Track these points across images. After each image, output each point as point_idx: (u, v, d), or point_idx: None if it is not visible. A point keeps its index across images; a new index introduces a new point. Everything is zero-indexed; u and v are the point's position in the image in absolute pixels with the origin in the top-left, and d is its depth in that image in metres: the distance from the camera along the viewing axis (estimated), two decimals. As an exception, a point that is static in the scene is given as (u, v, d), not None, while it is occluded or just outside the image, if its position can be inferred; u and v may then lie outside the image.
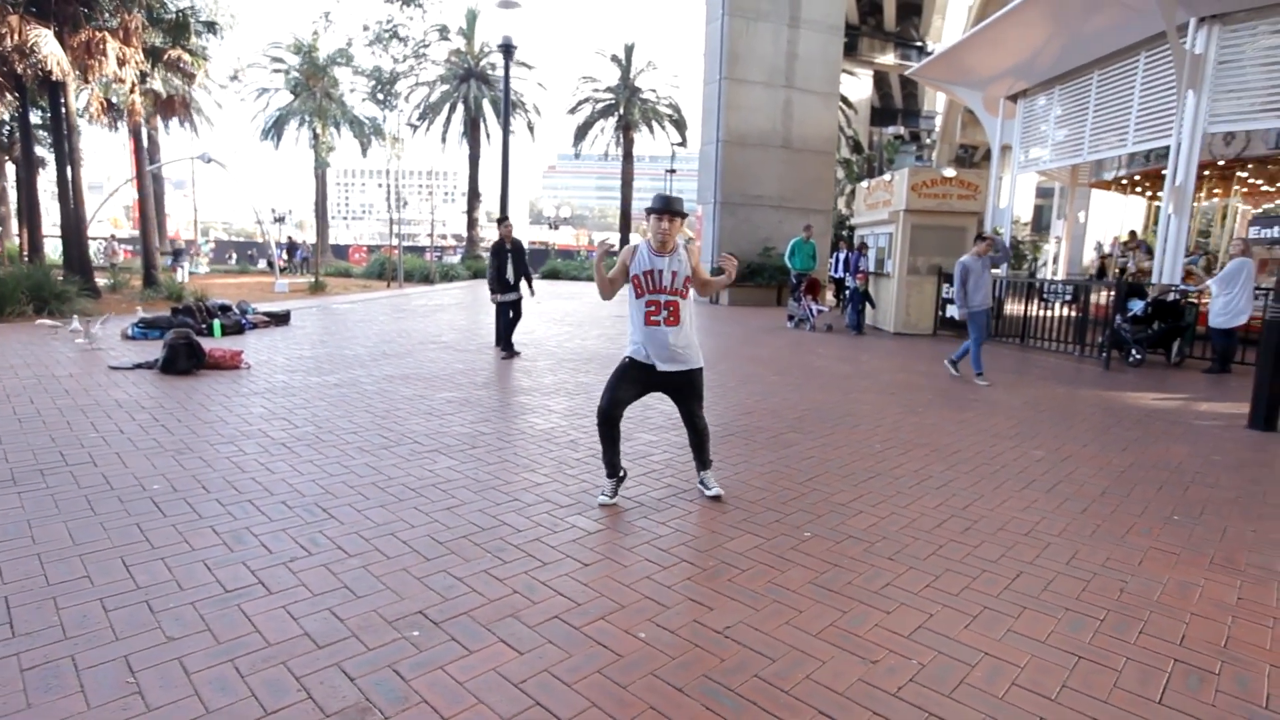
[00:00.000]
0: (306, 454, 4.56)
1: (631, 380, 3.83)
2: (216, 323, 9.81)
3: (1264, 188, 15.73)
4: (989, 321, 7.82)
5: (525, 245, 9.48)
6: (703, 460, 4.05)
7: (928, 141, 46.93)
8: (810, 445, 5.18)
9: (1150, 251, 15.49)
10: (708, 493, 4.00)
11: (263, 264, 32.54)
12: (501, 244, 8.78)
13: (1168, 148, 11.04)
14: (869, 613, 2.77)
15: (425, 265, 27.31)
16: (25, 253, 16.52)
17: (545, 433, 5.28)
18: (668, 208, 3.70)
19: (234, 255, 36.86)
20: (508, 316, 8.87)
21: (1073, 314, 10.79)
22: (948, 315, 12.13)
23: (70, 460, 4.29)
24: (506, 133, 8.81)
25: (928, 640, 2.58)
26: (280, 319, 11.49)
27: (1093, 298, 10.44)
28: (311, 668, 2.30)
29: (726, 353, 9.86)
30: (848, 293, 15.59)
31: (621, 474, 3.94)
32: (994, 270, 7.93)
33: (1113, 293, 9.69)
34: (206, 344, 7.86)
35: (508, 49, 8.73)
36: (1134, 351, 9.45)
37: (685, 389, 3.88)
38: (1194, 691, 2.33)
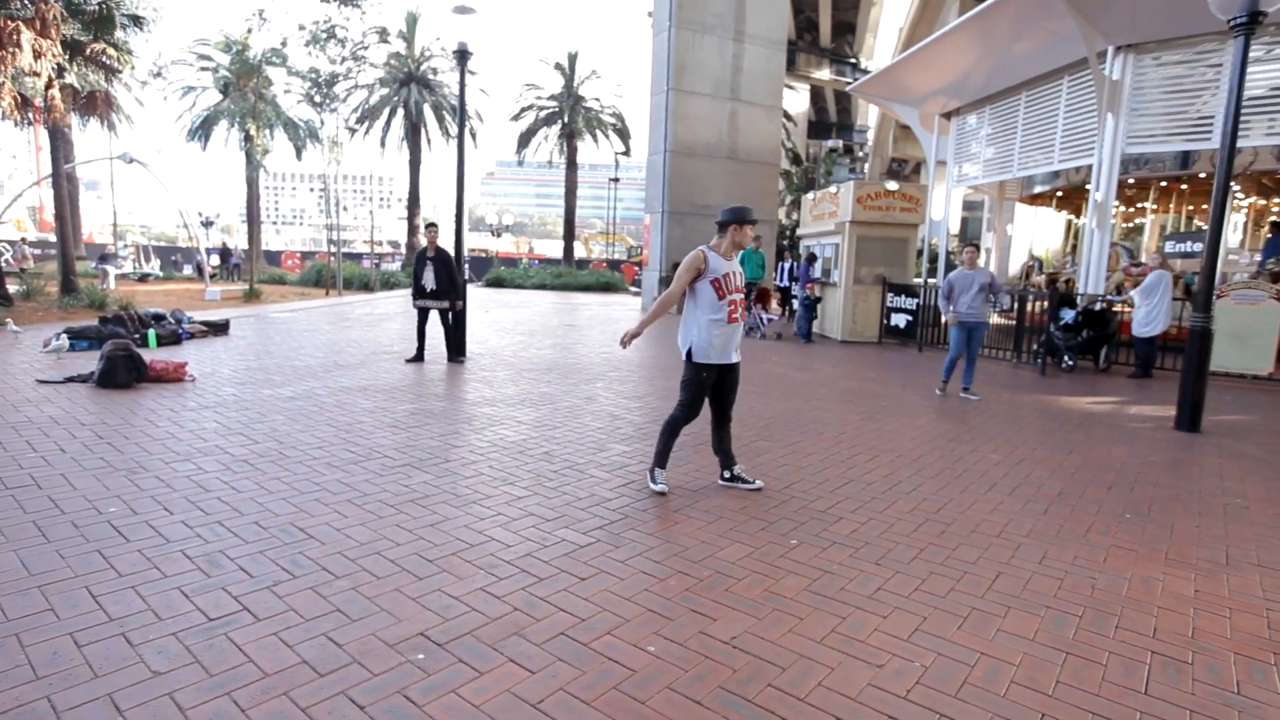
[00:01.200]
0: (272, 471, 4.37)
1: (708, 387, 4.23)
2: (152, 333, 9.30)
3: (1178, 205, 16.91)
4: (967, 338, 7.63)
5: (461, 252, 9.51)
6: (731, 454, 4.44)
7: (860, 154, 48.65)
8: (780, 453, 5.28)
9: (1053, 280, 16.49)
10: (752, 485, 4.36)
11: (188, 270, 31.00)
12: (424, 252, 8.80)
13: (1090, 166, 11.75)
14: (866, 618, 2.84)
15: (365, 273, 26.55)
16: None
17: (517, 445, 5.21)
18: (744, 219, 4.15)
19: (175, 260, 34.86)
20: (426, 322, 8.94)
21: (1009, 322, 11.34)
22: (892, 324, 12.56)
23: (10, 483, 3.99)
24: (462, 139, 8.67)
25: (926, 643, 2.67)
26: (219, 328, 10.97)
27: (1028, 307, 10.99)
28: (316, 697, 2.21)
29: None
30: (795, 301, 15.98)
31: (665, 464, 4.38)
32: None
33: (1046, 302, 10.22)
34: (145, 355, 7.44)
35: (463, 54, 8.59)
36: (1066, 358, 9.99)
37: (731, 384, 4.32)
38: (1173, 681, 2.48)
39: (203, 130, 29.50)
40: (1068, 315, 10.09)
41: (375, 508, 3.84)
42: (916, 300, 12.02)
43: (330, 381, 7.35)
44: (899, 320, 12.37)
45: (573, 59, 33.66)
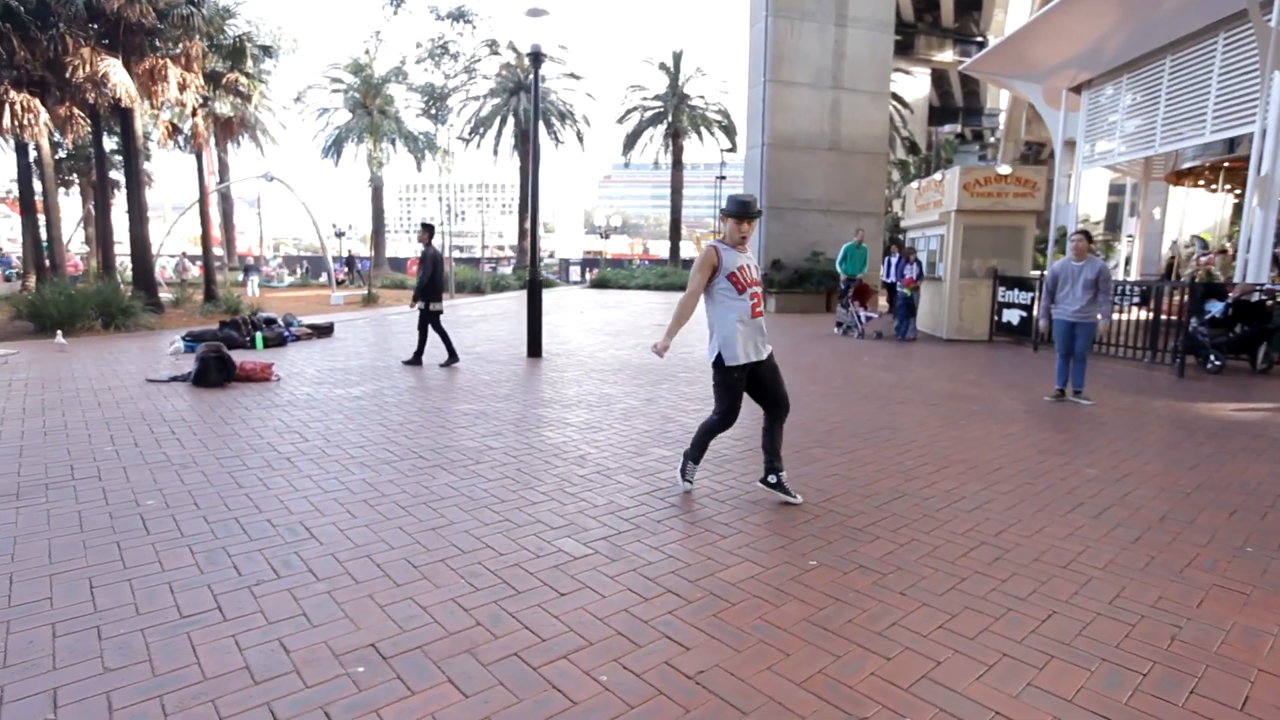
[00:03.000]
0: (307, 469, 4.49)
1: (743, 390, 3.97)
2: (259, 335, 10.04)
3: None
4: (1068, 335, 6.80)
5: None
6: (779, 455, 4.05)
7: (991, 140, 45.20)
8: (835, 461, 4.83)
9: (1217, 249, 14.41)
10: (790, 499, 4.01)
11: (324, 277, 33.67)
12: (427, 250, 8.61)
13: (1250, 135, 10.14)
14: (865, 658, 2.45)
15: (477, 276, 27.73)
16: (99, 271, 17.42)
17: (555, 447, 5.09)
18: (748, 212, 3.85)
19: (306, 268, 38.14)
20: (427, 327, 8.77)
21: (1143, 317, 9.98)
22: (1004, 321, 11.44)
23: (78, 474, 4.33)
24: (535, 141, 8.69)
25: (929, 694, 2.25)
26: (324, 331, 11.72)
27: (1164, 299, 9.64)
28: (240, 707, 2.14)
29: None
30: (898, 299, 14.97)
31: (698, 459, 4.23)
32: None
33: (1187, 294, 8.89)
34: (241, 356, 8.01)
35: (536, 57, 8.64)
36: (1212, 357, 8.65)
37: (772, 370, 4.01)
38: (1253, 771, 1.93)
39: (335, 147, 31.94)
40: (1215, 308, 8.73)
41: (387, 509, 3.82)
42: (1031, 294, 10.85)
43: (400, 382, 7.58)
44: (1011, 316, 11.23)
45: (677, 58, 33.55)
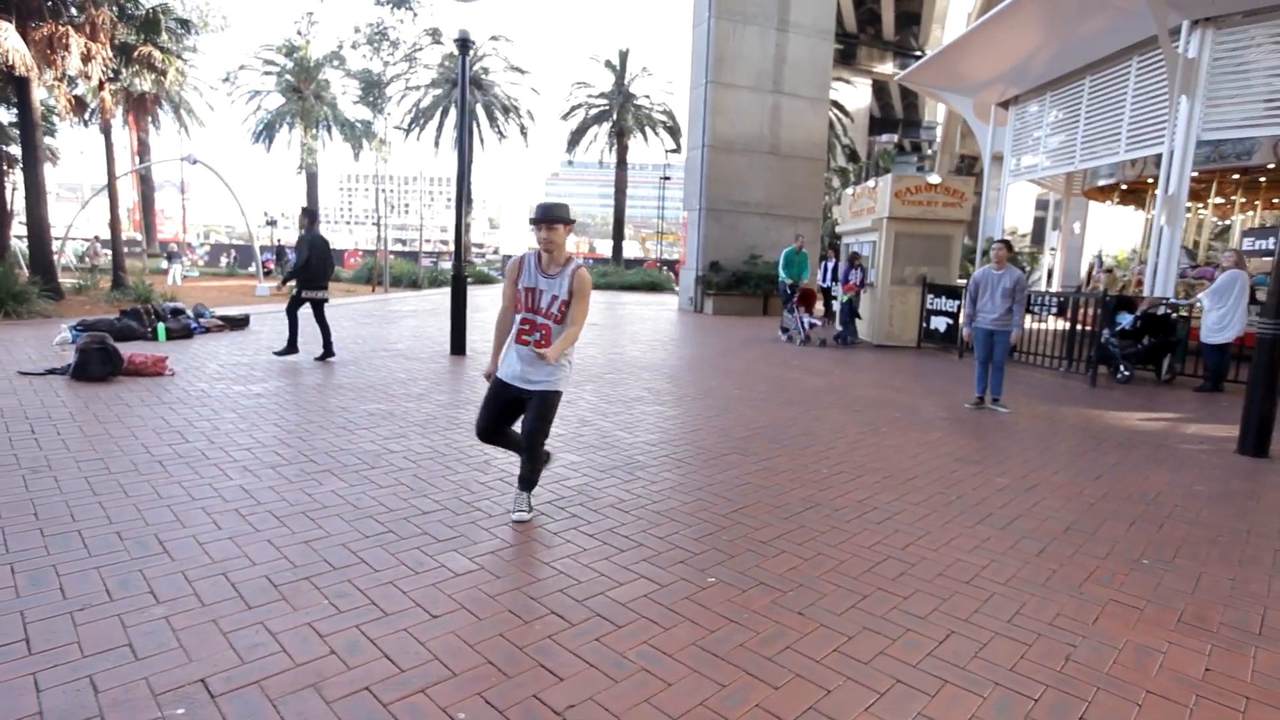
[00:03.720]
0: (179, 473, 4.09)
1: (497, 399, 3.54)
2: (161, 326, 9.37)
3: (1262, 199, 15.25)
4: (986, 342, 6.89)
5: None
6: (525, 482, 3.67)
7: (929, 152, 46.59)
8: (749, 469, 4.70)
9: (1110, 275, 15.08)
10: (513, 515, 3.63)
11: (252, 267, 32.18)
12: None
13: (1159, 155, 10.57)
14: (752, 687, 2.28)
15: (414, 270, 26.92)
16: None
17: (460, 451, 4.81)
18: (545, 216, 3.37)
19: (234, 258, 36.35)
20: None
21: (1060, 328, 10.29)
22: (932, 328, 11.64)
23: (-96, 478, 3.83)
24: (464, 128, 8.37)
25: (814, 728, 2.09)
26: (238, 323, 11.06)
27: (1080, 311, 9.96)
28: (19, 763, 1.82)
29: (695, 363, 9.39)
30: (835, 304, 15.11)
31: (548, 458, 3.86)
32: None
33: (1099, 306, 9.18)
34: (133, 348, 7.42)
35: (464, 43, 8.30)
36: (1122, 367, 8.95)
37: (535, 404, 3.47)
38: (1136, 808, 1.84)
39: (266, 133, 30.57)
40: (1125, 320, 9.03)
41: (259, 519, 3.48)
42: (958, 302, 11.06)
43: (310, 378, 7.15)
44: (939, 324, 11.43)
45: (624, 56, 33.37)
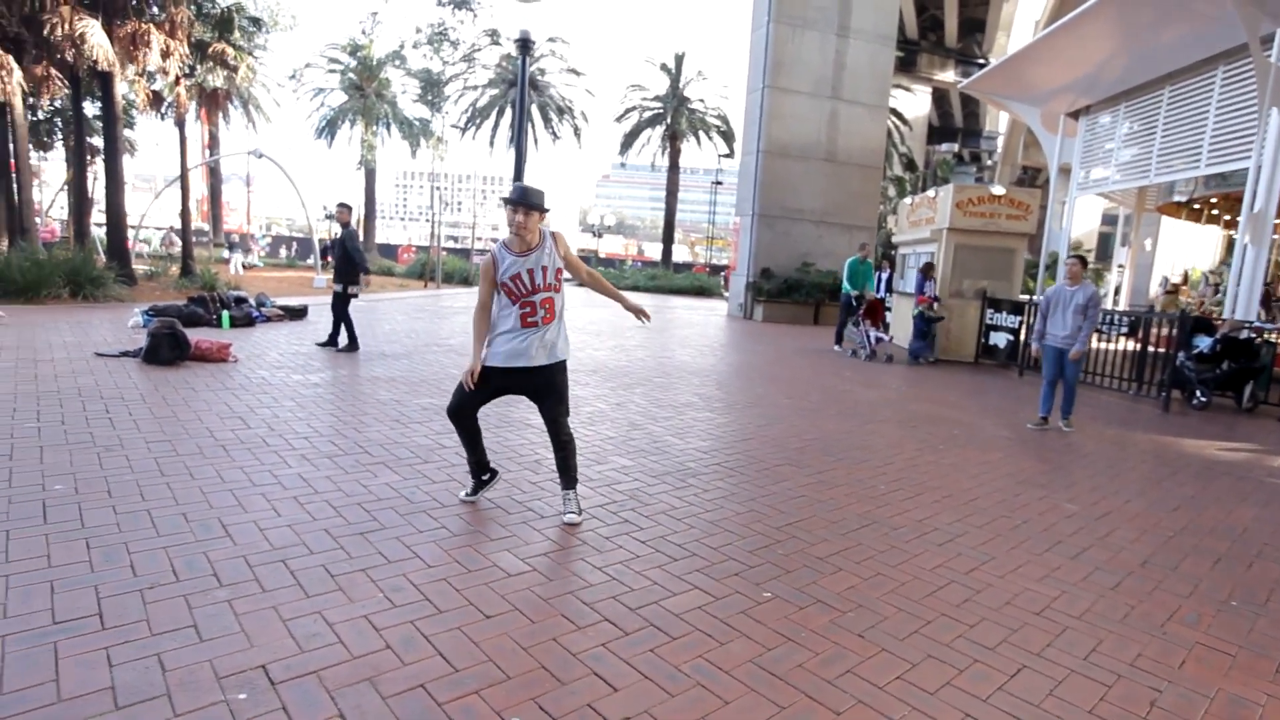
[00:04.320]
0: (241, 459, 4.19)
1: (486, 394, 3.58)
2: (225, 314, 9.69)
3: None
4: (1057, 360, 6.64)
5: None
6: (567, 477, 3.63)
7: (989, 162, 45.36)
8: (804, 482, 4.59)
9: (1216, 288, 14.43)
10: (564, 517, 3.60)
11: (310, 259, 33.16)
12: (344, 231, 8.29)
13: (1245, 170, 10.03)
14: (812, 711, 2.20)
15: (465, 267, 27.37)
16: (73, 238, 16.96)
17: (511, 450, 4.81)
18: (522, 199, 3.38)
19: (295, 250, 37.51)
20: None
21: (1131, 348, 9.84)
22: (990, 343, 11.27)
23: (-12, 451, 4.01)
24: (521, 128, 8.44)
25: (880, 759, 2.00)
26: (296, 313, 11.36)
27: (1153, 331, 9.51)
28: (89, 738, 1.86)
29: (745, 370, 9.27)
30: (888, 316, 14.73)
31: (487, 476, 3.81)
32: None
33: (1175, 327, 8.74)
34: (199, 334, 7.68)
35: (525, 43, 8.37)
36: (1198, 393, 8.50)
37: (544, 389, 3.54)
38: None
39: (328, 129, 31.47)
40: (1204, 343, 8.58)
41: (317, 508, 3.53)
42: (1020, 318, 10.69)
43: (366, 370, 7.28)
44: (998, 339, 11.06)
45: (679, 59, 33.35)
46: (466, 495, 3.82)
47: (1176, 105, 11.50)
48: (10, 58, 12.97)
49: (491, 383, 3.52)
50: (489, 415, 5.75)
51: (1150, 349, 9.32)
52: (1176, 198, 14.55)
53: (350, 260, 8.28)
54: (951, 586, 3.19)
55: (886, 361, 11.02)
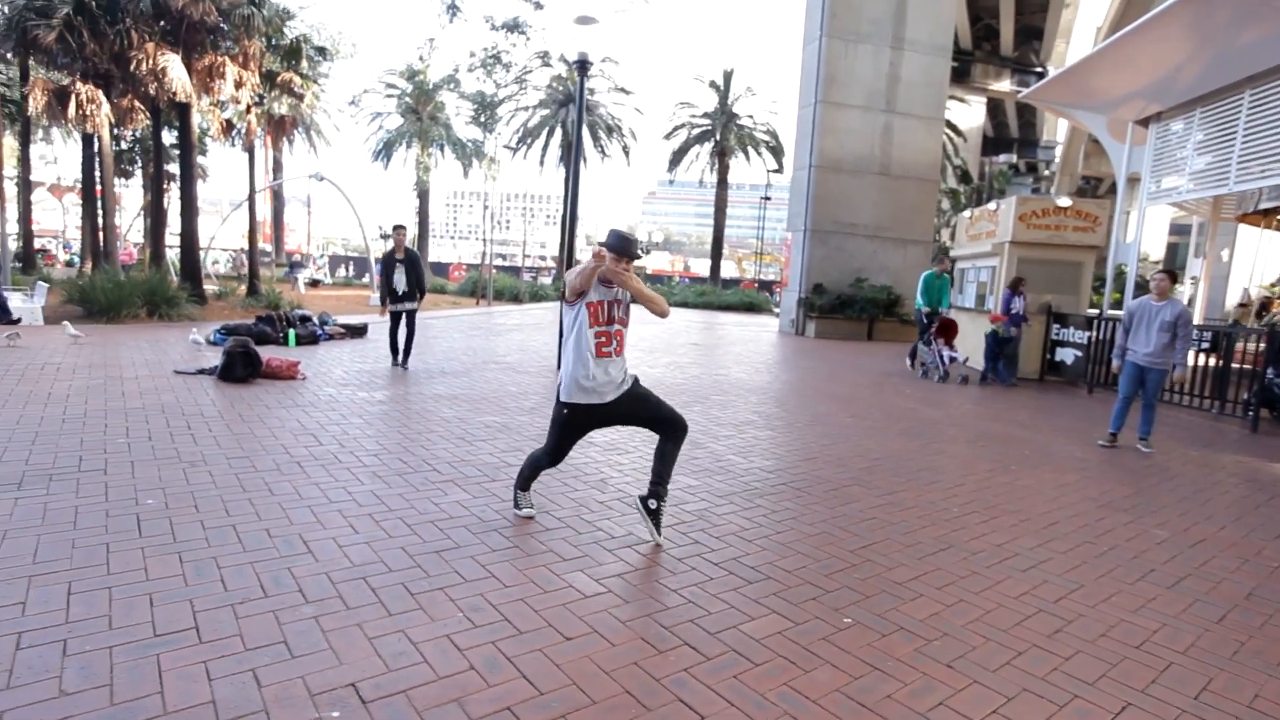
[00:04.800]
0: (316, 475, 4.30)
1: (578, 432, 3.64)
2: (292, 332, 10.02)
3: None
4: (1137, 378, 6.43)
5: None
6: (661, 479, 3.52)
7: (1045, 173, 44.07)
8: (874, 503, 4.47)
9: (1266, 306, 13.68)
10: (650, 538, 3.58)
11: (366, 278, 34.16)
12: (392, 254, 8.56)
13: (1337, 177, 9.49)
14: (909, 747, 2.12)
15: (516, 285, 27.81)
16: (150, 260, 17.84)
17: (576, 468, 4.83)
18: (626, 251, 3.30)
19: (350, 268, 38.73)
20: (398, 327, 8.70)
21: (1211, 364, 9.34)
22: (1057, 359, 10.87)
23: (85, 466, 4.21)
24: (578, 149, 8.54)
25: (985, 801, 1.91)
26: (357, 331, 11.69)
27: (1237, 346, 9.02)
28: (195, 751, 1.91)
29: (802, 387, 9.14)
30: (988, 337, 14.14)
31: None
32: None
33: (1263, 342, 8.28)
34: (269, 352, 7.96)
35: (583, 65, 8.49)
36: (1289, 412, 8.02)
37: (637, 403, 3.55)
38: None
39: (385, 151, 32.50)
40: (1294, 359, 8.10)
41: (392, 525, 3.60)
42: (1089, 333, 10.28)
43: (427, 388, 7.42)
44: (1065, 355, 10.66)
45: (727, 76, 33.44)
46: (526, 508, 3.83)
47: (1258, 109, 10.97)
48: (100, 92, 13.80)
49: (577, 423, 3.55)
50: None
51: (1234, 365, 8.85)
52: (1264, 205, 13.85)
53: (420, 280, 8.65)
54: (1040, 615, 3.05)
55: (961, 383, 10.27)
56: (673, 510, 4.09)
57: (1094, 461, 5.99)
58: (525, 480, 3.86)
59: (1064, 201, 11.02)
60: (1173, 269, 6.62)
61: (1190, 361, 9.32)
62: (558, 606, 2.86)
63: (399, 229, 8.82)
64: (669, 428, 3.54)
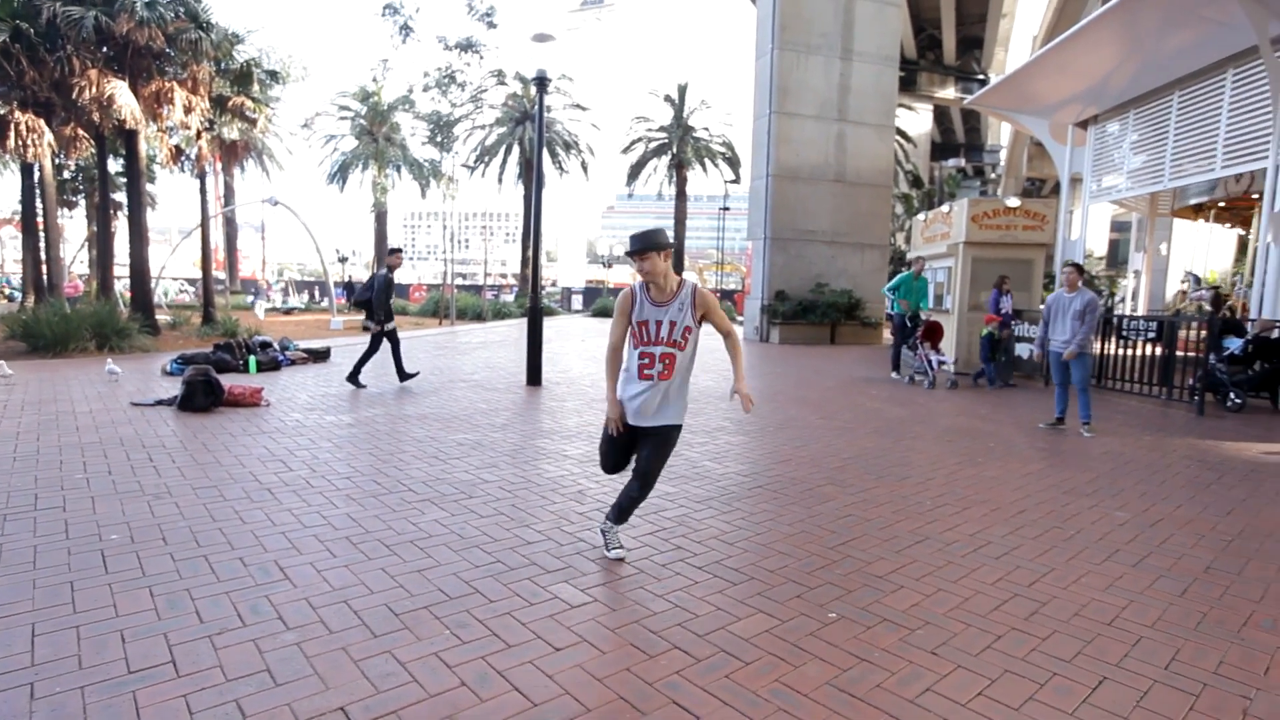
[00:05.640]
0: (288, 501, 4.21)
1: (619, 443, 3.42)
2: (253, 359, 9.80)
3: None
4: (1061, 366, 6.91)
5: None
6: (620, 515, 3.50)
7: (992, 176, 45.51)
8: (849, 501, 4.55)
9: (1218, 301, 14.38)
10: (610, 552, 3.48)
11: (325, 302, 33.55)
12: (390, 275, 8.75)
13: (1262, 171, 10.01)
14: (900, 733, 2.16)
15: (479, 303, 27.60)
16: (98, 292, 17.28)
17: (553, 481, 4.81)
18: (641, 246, 3.19)
19: (308, 294, 38.08)
20: (379, 347, 8.83)
21: (1156, 353, 9.74)
22: (1015, 355, 11.19)
23: (42, 504, 4.05)
24: (539, 168, 8.57)
25: (977, 780, 1.96)
26: (320, 355, 11.48)
27: (1179, 335, 9.41)
28: (181, 786, 1.85)
29: (770, 393, 9.25)
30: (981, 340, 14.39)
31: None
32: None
33: (1204, 329, 8.67)
34: (231, 380, 7.77)
35: (541, 81, 8.54)
36: (1232, 395, 8.39)
37: (657, 440, 3.33)
38: None
39: (340, 174, 32.08)
40: (1234, 344, 8.49)
41: (370, 547, 3.54)
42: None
43: (395, 409, 7.32)
44: (1021, 350, 10.99)
45: (682, 90, 33.87)
46: (615, 549, 3.50)
47: (1187, 110, 11.54)
48: (41, 121, 13.37)
49: (621, 435, 3.39)
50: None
51: (1179, 353, 9.23)
52: (1193, 200, 14.53)
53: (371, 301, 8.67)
54: (1016, 600, 3.14)
55: (950, 388, 9.96)
56: (652, 517, 4.10)
57: (1055, 452, 6.18)
58: (619, 511, 3.52)
59: (1013, 202, 11.41)
60: (1078, 263, 7.13)
61: (1096, 347, 9.68)
62: (545, 618, 2.84)
63: (396, 251, 9.06)
64: (641, 480, 3.36)
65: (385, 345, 8.90)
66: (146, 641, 2.58)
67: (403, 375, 8.93)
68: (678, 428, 3.36)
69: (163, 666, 2.42)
